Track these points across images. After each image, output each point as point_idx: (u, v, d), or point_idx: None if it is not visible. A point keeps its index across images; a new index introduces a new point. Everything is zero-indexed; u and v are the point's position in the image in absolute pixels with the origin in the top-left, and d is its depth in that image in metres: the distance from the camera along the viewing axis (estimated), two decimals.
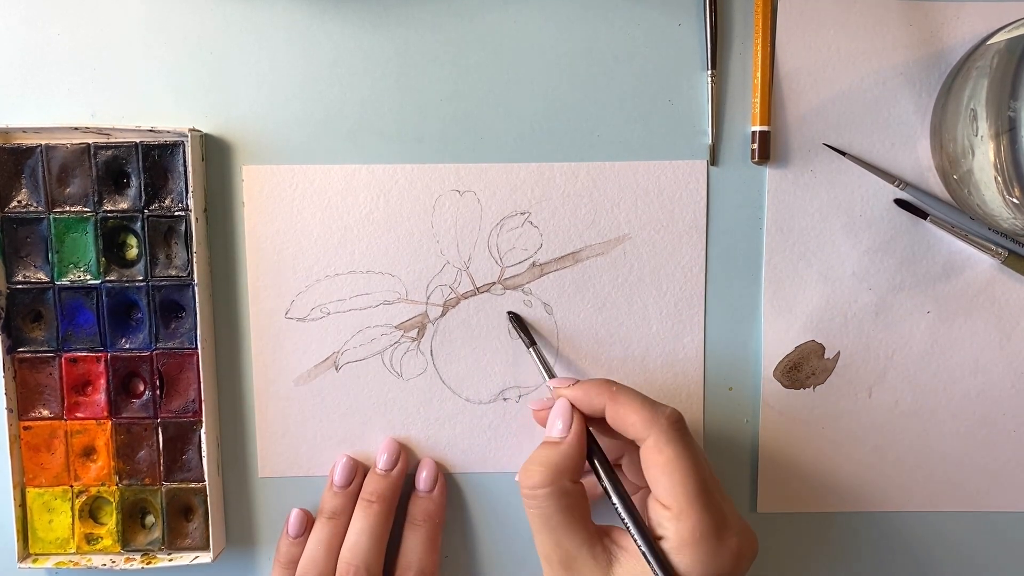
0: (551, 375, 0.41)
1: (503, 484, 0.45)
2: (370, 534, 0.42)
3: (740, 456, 0.45)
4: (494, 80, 0.43)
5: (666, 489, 0.35)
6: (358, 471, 0.44)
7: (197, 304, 0.42)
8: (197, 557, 0.44)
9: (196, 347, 0.43)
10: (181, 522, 0.44)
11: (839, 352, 0.44)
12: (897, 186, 0.43)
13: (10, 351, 0.43)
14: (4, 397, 0.43)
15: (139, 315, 0.43)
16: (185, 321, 0.43)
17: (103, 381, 0.43)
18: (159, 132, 0.42)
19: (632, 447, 0.40)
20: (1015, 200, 0.36)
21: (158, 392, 0.43)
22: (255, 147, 0.43)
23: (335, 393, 0.44)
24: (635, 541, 0.35)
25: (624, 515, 0.36)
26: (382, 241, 0.44)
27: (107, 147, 0.42)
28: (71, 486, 0.44)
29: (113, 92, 0.43)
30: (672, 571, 0.34)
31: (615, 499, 0.36)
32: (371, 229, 0.44)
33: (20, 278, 0.43)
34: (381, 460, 0.44)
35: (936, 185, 0.43)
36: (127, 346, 0.43)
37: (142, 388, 0.44)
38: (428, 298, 0.44)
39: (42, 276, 0.43)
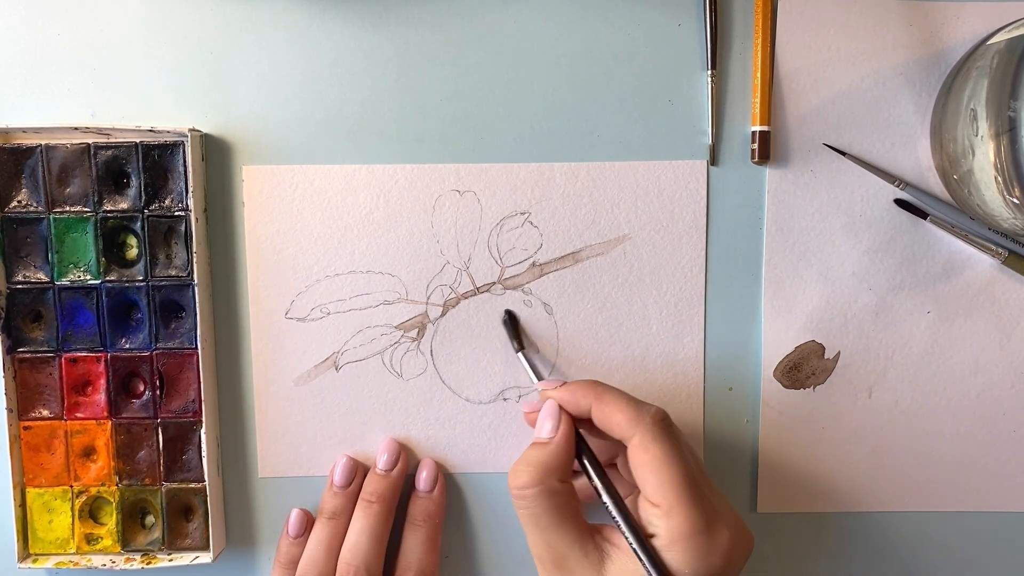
0: (539, 378, 0.42)
1: (503, 484, 0.45)
2: (370, 534, 0.42)
3: (740, 456, 0.45)
4: (494, 80, 0.43)
5: (654, 487, 0.35)
6: (358, 471, 0.44)
7: (197, 304, 0.42)
8: (197, 557, 0.44)
9: (196, 347, 0.43)
10: (181, 522, 0.44)
11: (839, 352, 0.44)
12: (897, 186, 0.43)
13: (10, 351, 0.43)
14: (4, 397, 0.43)
15: (139, 315, 0.43)
16: (185, 321, 0.43)
17: (103, 381, 0.43)
18: (159, 132, 0.42)
19: (624, 448, 0.40)
20: (1015, 200, 0.36)
21: (158, 392, 0.43)
22: (255, 147, 0.43)
23: (335, 393, 0.44)
24: (626, 539, 0.35)
25: (614, 513, 0.36)
26: (382, 241, 0.44)
27: (107, 147, 0.42)
28: (71, 486, 0.44)
29: (113, 92, 0.43)
30: (664, 568, 0.34)
31: (605, 497, 0.36)
32: (371, 229, 0.44)
33: (20, 278, 0.43)
34: (381, 460, 0.44)
35: (936, 185, 0.43)
36: (127, 346, 0.43)
37: (142, 388, 0.44)
38: (428, 298, 0.44)
39: (42, 276, 0.43)
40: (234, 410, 0.45)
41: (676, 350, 0.44)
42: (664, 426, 0.36)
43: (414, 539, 0.43)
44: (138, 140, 0.42)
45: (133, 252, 0.43)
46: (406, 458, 0.44)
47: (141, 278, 0.43)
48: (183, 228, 0.42)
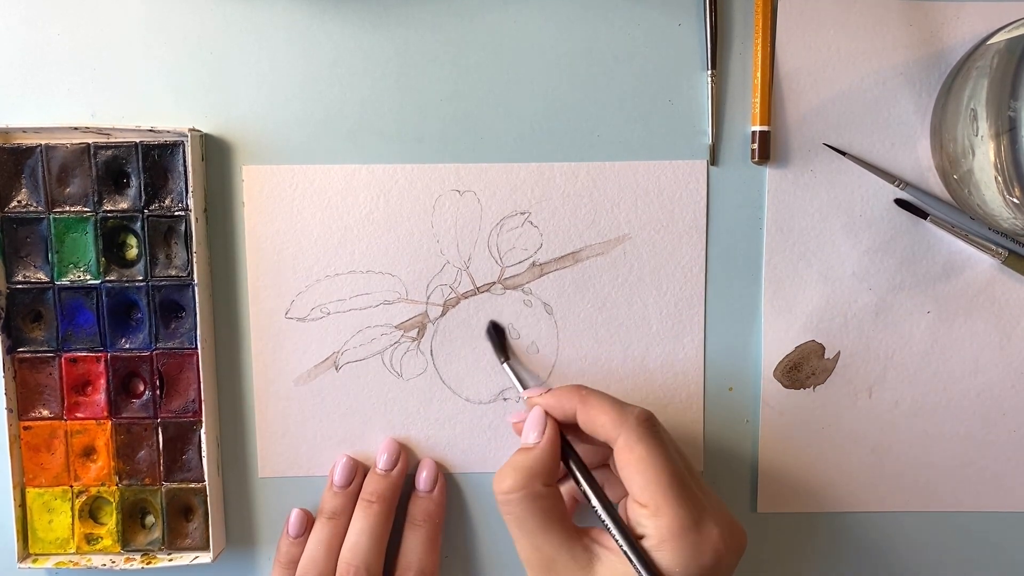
0: (525, 387, 0.42)
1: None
2: (370, 534, 0.42)
3: (740, 456, 0.45)
4: (494, 80, 0.43)
5: (640, 487, 0.35)
6: (358, 471, 0.44)
7: (197, 304, 0.42)
8: (197, 557, 0.44)
9: (196, 347, 0.43)
10: (181, 522, 0.44)
11: (839, 352, 0.44)
12: (897, 186, 0.43)
13: (10, 351, 0.43)
14: (4, 397, 0.43)
15: (139, 315, 0.43)
16: (185, 321, 0.43)
17: (103, 381, 0.43)
18: (159, 132, 0.42)
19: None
20: (1015, 200, 0.36)
21: (158, 392, 0.43)
22: (255, 147, 0.43)
23: (335, 393, 0.44)
24: (615, 540, 0.35)
25: (603, 515, 0.36)
26: (382, 241, 0.44)
27: (107, 147, 0.42)
28: (71, 486, 0.44)
29: (113, 92, 0.43)
30: (654, 568, 0.34)
31: (593, 500, 0.36)
32: (371, 229, 0.44)
33: (20, 278, 0.43)
34: (381, 460, 0.44)
35: (936, 185, 0.43)
36: (127, 346, 0.43)
37: (142, 388, 0.44)
38: (428, 298, 0.44)
39: (42, 276, 0.43)
40: (234, 410, 0.45)
41: (676, 350, 0.44)
42: (648, 426, 0.36)
43: (414, 539, 0.43)
44: (138, 140, 0.42)
45: (133, 252, 0.43)
46: (406, 458, 0.44)
47: (141, 278, 0.43)
48: (183, 228, 0.42)
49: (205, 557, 0.44)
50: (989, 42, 0.39)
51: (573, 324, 0.44)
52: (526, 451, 0.38)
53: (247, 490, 0.45)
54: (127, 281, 0.43)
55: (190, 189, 0.42)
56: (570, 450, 0.39)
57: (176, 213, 0.42)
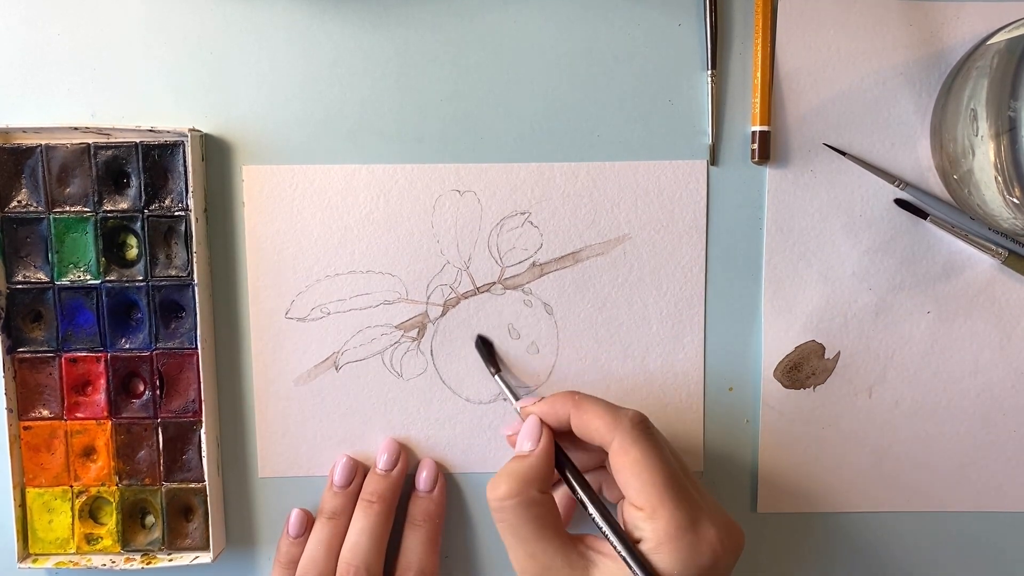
0: (516, 398, 0.42)
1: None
2: (370, 534, 0.42)
3: (740, 456, 0.45)
4: (494, 80, 0.43)
5: (636, 490, 0.35)
6: (358, 471, 0.44)
7: (197, 304, 0.42)
8: (197, 557, 0.44)
9: (196, 347, 0.43)
10: (181, 522, 0.44)
11: (839, 352, 0.44)
12: (897, 186, 0.43)
13: (10, 351, 0.43)
14: (4, 397, 0.43)
15: (139, 315, 0.43)
16: (185, 321, 0.43)
17: (103, 381, 0.43)
18: (159, 132, 0.42)
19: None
20: (1015, 200, 0.36)
21: (158, 392, 0.43)
22: (255, 147, 0.43)
23: (335, 393, 0.44)
24: (613, 546, 0.35)
25: (599, 520, 0.36)
26: (382, 241, 0.44)
27: (107, 147, 0.42)
28: (71, 486, 0.44)
29: (113, 92, 0.43)
30: (653, 571, 0.34)
31: (590, 507, 0.36)
32: (371, 229, 0.44)
33: (20, 278, 0.43)
34: (381, 460, 0.44)
35: (936, 185, 0.43)
36: (127, 346, 0.43)
37: (142, 388, 0.44)
38: (428, 298, 0.44)
39: (42, 276, 0.43)
40: (234, 410, 0.45)
41: (676, 350, 0.44)
42: (642, 428, 0.36)
43: (414, 539, 0.43)
44: (138, 140, 0.42)
45: (133, 252, 0.43)
46: (406, 458, 0.44)
47: (141, 278, 0.43)
48: (183, 228, 0.42)
49: (205, 557, 0.44)
50: (989, 42, 0.39)
51: (573, 324, 0.44)
52: (520, 458, 0.38)
53: (247, 490, 0.45)
54: (127, 281, 0.43)
55: (190, 189, 0.42)
56: (564, 457, 0.39)
57: (176, 213, 0.42)
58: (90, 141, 0.42)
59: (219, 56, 0.43)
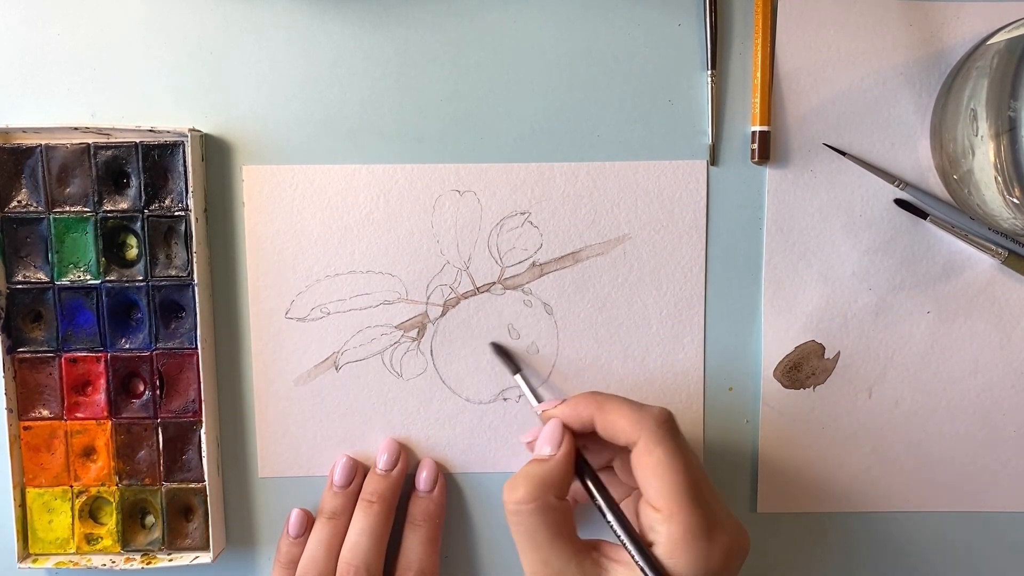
0: (538, 399, 0.42)
1: (503, 484, 0.45)
2: (370, 534, 0.42)
3: (740, 456, 0.45)
4: (494, 80, 0.43)
5: (656, 491, 0.35)
6: (358, 471, 0.44)
7: (197, 304, 0.42)
8: (197, 557, 0.44)
9: (196, 347, 0.43)
10: (181, 522, 0.44)
11: (839, 352, 0.44)
12: (897, 186, 0.43)
13: (10, 351, 0.43)
14: (4, 397, 0.43)
15: (139, 315, 0.43)
16: (185, 321, 0.43)
17: (103, 381, 0.43)
18: (159, 132, 0.42)
19: (622, 452, 0.40)
20: (1015, 200, 0.36)
21: (158, 392, 0.43)
22: (255, 147, 0.43)
23: (335, 393, 0.44)
24: (630, 553, 0.35)
25: (617, 529, 0.35)
26: (382, 241, 0.44)
27: (107, 147, 0.42)
28: (71, 486, 0.44)
29: (113, 92, 0.43)
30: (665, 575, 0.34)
31: (608, 514, 0.36)
32: (371, 229, 0.44)
33: (20, 278, 0.43)
34: (381, 460, 0.44)
35: (936, 185, 0.43)
36: (127, 346, 0.43)
37: (142, 388, 0.44)
38: (428, 298, 0.44)
39: (42, 276, 0.43)
40: (234, 410, 0.45)
41: (676, 350, 0.44)
42: (668, 428, 0.36)
43: (414, 539, 0.43)
44: (138, 140, 0.42)
45: (133, 252, 0.43)
46: (406, 458, 0.44)
47: (141, 278, 0.43)
48: (183, 228, 0.42)
49: (205, 557, 0.44)
50: (989, 42, 0.39)
51: (573, 324, 0.44)
52: (540, 462, 0.37)
53: (247, 490, 0.45)
54: (127, 281, 0.43)
55: (190, 189, 0.42)
56: (584, 462, 0.38)
57: (176, 213, 0.42)
58: (90, 141, 0.42)
59: (219, 56, 0.43)
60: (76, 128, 0.42)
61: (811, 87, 0.43)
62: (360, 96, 0.43)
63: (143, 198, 0.42)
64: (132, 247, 0.43)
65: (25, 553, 0.44)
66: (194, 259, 0.42)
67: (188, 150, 0.42)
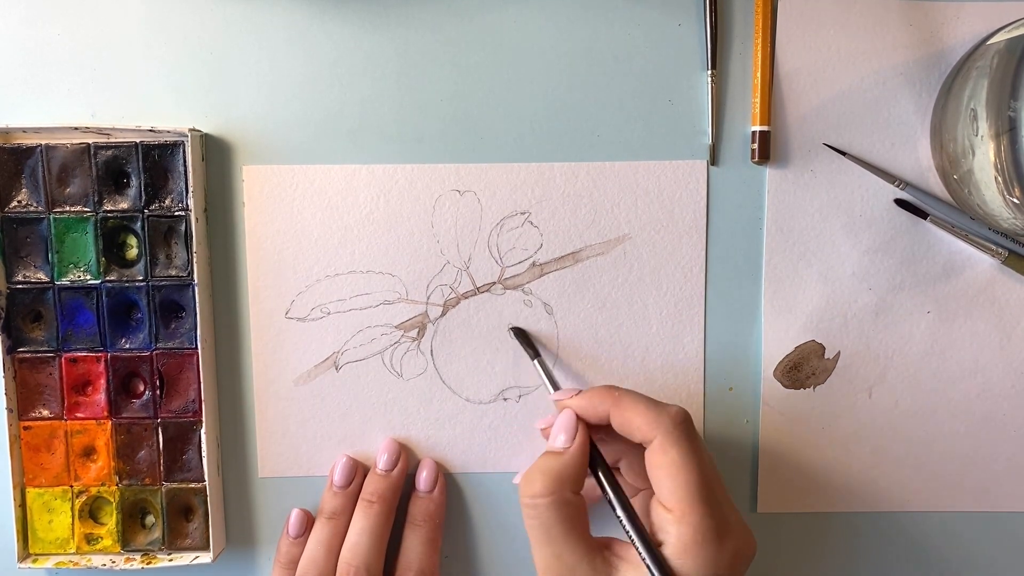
0: (555, 387, 0.41)
1: (503, 484, 0.45)
2: (370, 534, 0.42)
3: (740, 456, 0.45)
4: (494, 80, 0.43)
5: (669, 491, 0.35)
6: (358, 471, 0.44)
7: (197, 304, 0.42)
8: (197, 557, 0.44)
9: (196, 347, 0.43)
10: (181, 522, 0.44)
11: (839, 352, 0.44)
12: (897, 186, 0.43)
13: (10, 351, 0.43)
14: (4, 397, 0.43)
15: (139, 315, 0.43)
16: (185, 321, 0.43)
17: (103, 381, 0.43)
18: (159, 132, 0.42)
19: (632, 449, 0.40)
20: (1015, 200, 0.36)
21: (158, 392, 0.43)
22: (255, 147, 0.43)
23: (335, 393, 0.44)
24: (637, 550, 0.35)
25: (627, 525, 0.35)
26: (382, 241, 0.44)
27: (107, 147, 0.42)
28: (71, 486, 0.44)
29: (113, 92, 0.43)
30: None
31: (618, 509, 0.36)
32: (371, 229, 0.44)
33: (20, 278, 0.43)
34: (381, 460, 0.44)
35: (936, 185, 0.43)
36: (127, 346, 0.43)
37: (142, 388, 0.44)
38: (428, 298, 0.44)
39: (42, 276, 0.43)
40: (234, 410, 0.45)
41: (676, 350, 0.44)
42: (684, 428, 0.36)
43: (414, 539, 0.43)
44: (138, 140, 0.42)
45: (133, 252, 0.43)
46: (406, 458, 0.44)
47: (141, 278, 0.43)
48: (183, 228, 0.42)
49: (205, 557, 0.44)
50: (989, 42, 0.39)
51: (573, 324, 0.44)
52: (555, 455, 0.37)
53: (247, 490, 0.45)
54: (127, 281, 0.43)
55: (190, 189, 0.42)
56: (598, 457, 0.38)
57: (176, 213, 0.42)
58: (90, 141, 0.42)
59: (219, 56, 0.43)
60: (76, 128, 0.42)
61: (811, 87, 0.43)
62: (360, 96, 0.43)
63: (143, 198, 0.42)
64: (132, 247, 0.43)
65: (25, 553, 0.44)
66: (194, 259, 0.42)
67: (188, 150, 0.42)
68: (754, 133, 0.43)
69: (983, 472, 0.45)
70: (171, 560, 0.44)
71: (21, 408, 0.44)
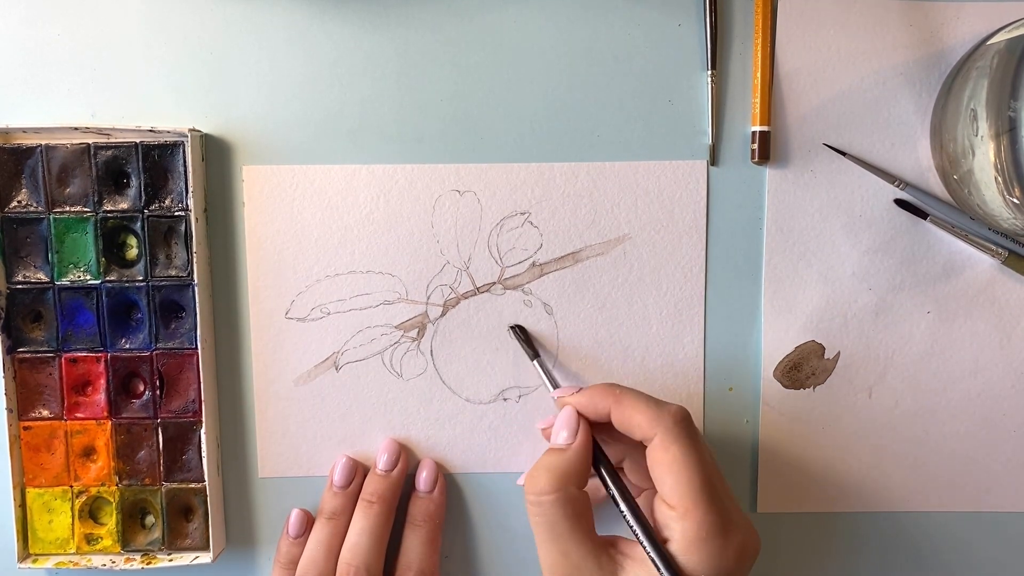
0: (555, 385, 0.41)
1: (503, 484, 0.45)
2: (370, 534, 0.42)
3: (740, 456, 0.45)
4: (494, 80, 0.43)
5: (671, 488, 0.35)
6: (358, 471, 0.44)
7: (197, 304, 0.42)
8: (197, 557, 0.44)
9: (196, 347, 0.43)
10: (181, 522, 0.44)
11: (839, 352, 0.44)
12: (897, 186, 0.43)
13: (10, 351, 0.43)
14: (4, 397, 0.43)
15: (139, 315, 0.43)
16: (185, 321, 0.43)
17: (103, 381, 0.43)
18: (159, 132, 0.42)
19: (634, 449, 0.40)
20: (1015, 200, 0.36)
21: (158, 392, 0.43)
22: (255, 147, 0.43)
23: (335, 393, 0.44)
24: (642, 544, 0.35)
25: (631, 521, 0.36)
26: (382, 241, 0.44)
27: (107, 147, 0.42)
28: (71, 486, 0.44)
29: (113, 92, 0.43)
30: (679, 572, 0.34)
31: (622, 505, 0.36)
32: (371, 229, 0.44)
33: (20, 278, 0.43)
34: (381, 460, 0.44)
35: (936, 185, 0.43)
36: (127, 346, 0.43)
37: (142, 388, 0.44)
38: (428, 298, 0.44)
39: (42, 276, 0.43)
40: (234, 410, 0.45)
41: (676, 350, 0.44)
42: (685, 426, 0.36)
43: (414, 539, 0.43)
44: (138, 140, 0.42)
45: (133, 252, 0.43)
46: (406, 458, 0.44)
47: (141, 278, 0.43)
48: (183, 228, 0.42)
49: (205, 557, 0.44)
50: (989, 42, 0.39)
51: (573, 324, 0.44)
52: (559, 452, 0.37)
53: (247, 490, 0.45)
54: (127, 281, 0.43)
55: (190, 189, 0.42)
56: (601, 454, 0.38)
57: (176, 213, 0.42)
58: (90, 141, 0.42)
59: (219, 56, 0.43)
60: (76, 128, 0.42)
61: (811, 87, 0.43)
62: (360, 96, 0.43)
63: (143, 198, 0.42)
64: (132, 247, 0.43)
65: (25, 553, 0.44)
66: (194, 259, 0.42)
67: (188, 150, 0.42)
68: (754, 133, 0.43)
69: (983, 472, 0.45)
70: (171, 560, 0.44)
71: (21, 408, 0.44)
